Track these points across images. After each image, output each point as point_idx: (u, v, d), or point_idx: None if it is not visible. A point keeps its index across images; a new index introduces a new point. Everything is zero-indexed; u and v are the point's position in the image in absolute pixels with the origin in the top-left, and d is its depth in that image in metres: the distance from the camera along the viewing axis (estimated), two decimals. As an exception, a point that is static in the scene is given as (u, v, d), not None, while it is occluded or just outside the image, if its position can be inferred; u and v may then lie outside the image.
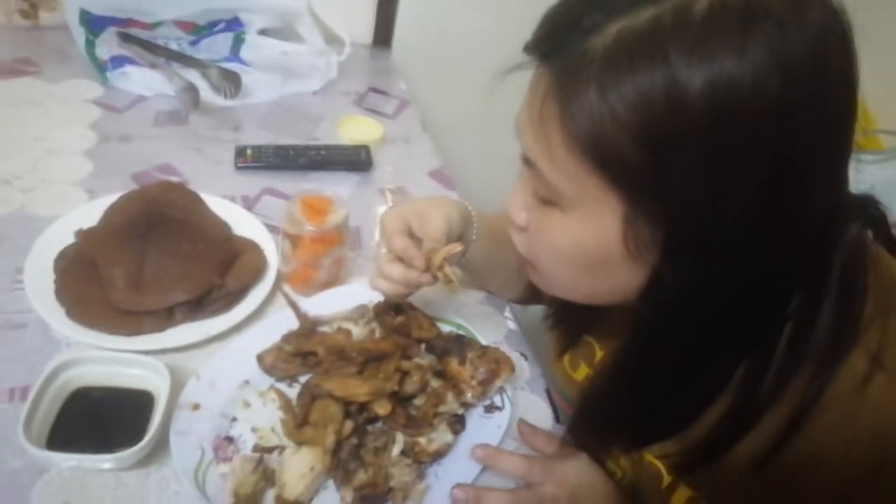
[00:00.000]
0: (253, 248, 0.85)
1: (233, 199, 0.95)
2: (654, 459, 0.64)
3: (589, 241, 0.52)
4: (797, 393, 0.51)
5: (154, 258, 0.76)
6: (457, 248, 0.70)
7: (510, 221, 0.61)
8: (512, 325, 0.89)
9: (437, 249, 0.68)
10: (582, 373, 0.76)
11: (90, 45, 1.13)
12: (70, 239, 0.81)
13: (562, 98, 0.47)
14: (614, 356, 0.61)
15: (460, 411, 0.72)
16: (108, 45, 1.14)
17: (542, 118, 0.50)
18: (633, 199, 0.48)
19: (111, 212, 0.83)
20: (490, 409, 0.75)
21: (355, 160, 1.06)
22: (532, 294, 0.88)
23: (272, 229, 0.89)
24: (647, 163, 0.45)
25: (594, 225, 0.51)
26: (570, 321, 0.75)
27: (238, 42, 1.18)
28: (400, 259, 0.69)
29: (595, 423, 0.65)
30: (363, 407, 0.68)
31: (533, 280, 0.64)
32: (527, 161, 0.54)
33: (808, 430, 0.51)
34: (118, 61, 1.11)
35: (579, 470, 0.69)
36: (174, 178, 0.96)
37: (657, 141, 0.44)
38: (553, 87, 0.48)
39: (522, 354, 0.84)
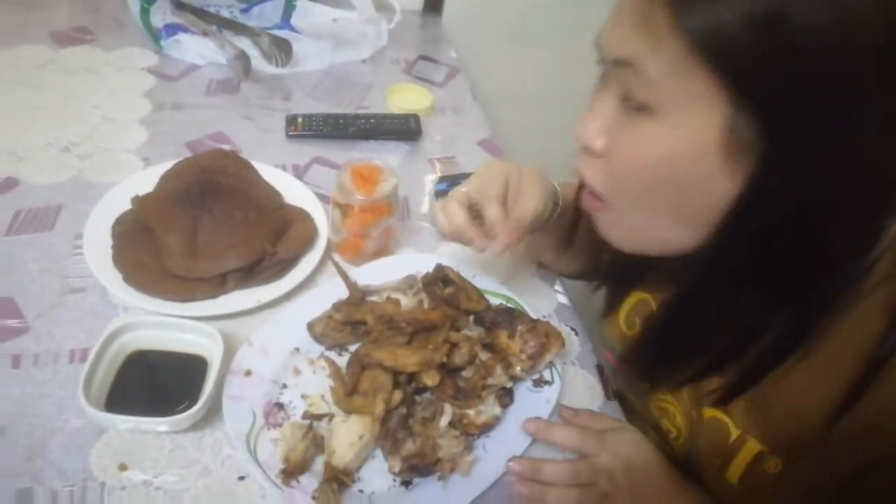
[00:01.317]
0: (304, 216, 0.85)
1: (283, 167, 0.96)
2: (721, 414, 0.62)
3: (685, 149, 0.50)
4: (872, 342, 0.51)
5: (207, 225, 0.77)
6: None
7: (582, 151, 0.58)
8: (563, 298, 0.87)
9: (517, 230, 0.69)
10: (637, 330, 0.74)
11: (145, 12, 1.14)
12: (127, 205, 0.82)
13: None
14: (682, 286, 0.61)
15: (509, 384, 0.71)
16: (161, 13, 1.15)
17: (650, 9, 0.48)
18: (740, 95, 0.46)
19: (166, 179, 0.84)
20: (539, 383, 0.74)
21: (404, 129, 1.05)
22: (584, 268, 0.86)
23: (322, 198, 0.89)
24: (762, 53, 0.44)
25: (694, 128, 0.49)
26: (619, 277, 0.74)
27: (289, 9, 1.17)
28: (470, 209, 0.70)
29: (656, 352, 0.65)
30: (412, 377, 0.68)
31: (600, 226, 0.62)
32: (621, 62, 0.51)
33: (886, 383, 0.50)
34: (172, 29, 1.12)
35: (631, 442, 0.69)
36: (226, 147, 0.97)
37: (776, 29, 0.43)
38: None
39: (573, 329, 0.83)
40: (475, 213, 0.71)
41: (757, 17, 0.43)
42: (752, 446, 0.60)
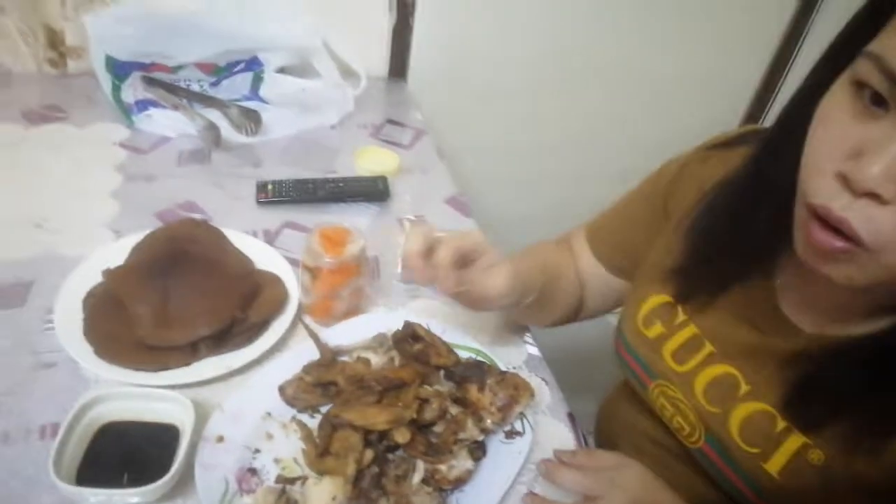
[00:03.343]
0: (274, 281, 0.86)
1: (255, 233, 0.97)
2: (767, 406, 0.64)
3: None
4: None
5: (178, 294, 0.78)
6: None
7: (857, 195, 0.50)
8: (533, 349, 0.89)
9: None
10: (655, 331, 0.76)
11: (116, 89, 1.17)
12: (98, 278, 0.83)
13: None
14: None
15: (480, 437, 0.72)
16: (133, 90, 1.18)
17: None
18: None
19: (136, 250, 0.85)
20: (511, 434, 0.75)
21: (373, 191, 1.07)
22: (564, 316, 0.89)
23: (293, 262, 0.90)
24: None
25: None
26: (684, 298, 0.74)
27: (257, 81, 1.21)
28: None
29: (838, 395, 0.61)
30: (383, 435, 0.69)
31: (843, 271, 0.54)
32: None
33: None
34: (143, 104, 1.15)
35: (638, 478, 0.70)
36: (197, 215, 0.98)
37: None
38: None
39: (543, 379, 0.84)
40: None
41: None
42: (797, 438, 0.62)
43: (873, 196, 0.48)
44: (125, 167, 1.07)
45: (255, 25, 1.21)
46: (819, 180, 0.52)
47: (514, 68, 1.49)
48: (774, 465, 0.64)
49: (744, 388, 0.68)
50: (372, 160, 1.14)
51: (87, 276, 0.84)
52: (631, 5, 1.46)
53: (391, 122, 1.29)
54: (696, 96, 1.57)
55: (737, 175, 0.70)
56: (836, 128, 0.51)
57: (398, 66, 1.41)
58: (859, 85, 0.50)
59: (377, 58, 1.39)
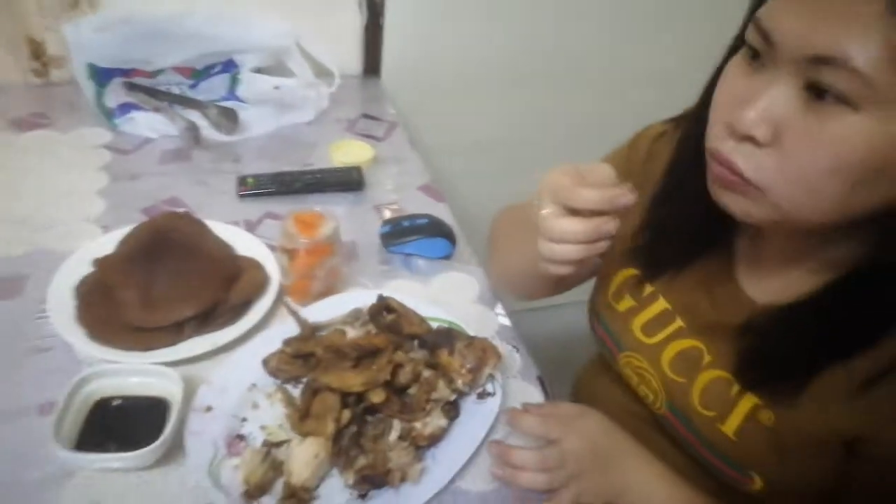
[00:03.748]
0: (255, 265, 0.91)
1: (237, 224, 1.02)
2: (724, 373, 0.69)
3: (884, 143, 0.51)
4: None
5: (163, 278, 0.83)
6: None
7: (737, 139, 0.56)
8: (504, 320, 0.94)
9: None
10: (625, 304, 0.81)
11: (99, 95, 1.22)
12: (88, 269, 0.88)
13: None
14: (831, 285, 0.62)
15: (452, 398, 0.77)
16: (115, 95, 1.22)
17: (863, 4, 0.48)
18: None
19: (123, 241, 0.89)
20: (483, 395, 0.80)
21: (348, 181, 1.12)
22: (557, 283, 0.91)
23: (273, 249, 0.95)
24: None
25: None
26: (651, 274, 0.77)
27: (234, 82, 1.26)
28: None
29: (785, 351, 0.65)
30: (360, 398, 0.74)
31: (733, 203, 0.59)
32: (823, 59, 0.50)
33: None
34: (125, 108, 1.20)
35: (597, 424, 0.74)
36: (181, 209, 1.03)
37: None
38: None
39: (514, 347, 0.90)
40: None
41: None
42: (749, 399, 0.67)
43: (751, 139, 0.55)
44: (110, 167, 1.12)
45: (231, 29, 1.26)
46: (713, 129, 0.59)
47: (485, 64, 1.55)
48: (730, 426, 0.69)
49: (706, 358, 0.73)
50: (346, 152, 1.19)
51: (78, 268, 0.89)
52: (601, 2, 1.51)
53: (366, 116, 1.35)
54: (671, 90, 1.61)
55: (677, 150, 0.75)
56: (728, 84, 0.59)
57: (371, 63, 1.46)
58: (748, 47, 0.57)
59: (350, 56, 1.44)
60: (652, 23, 1.56)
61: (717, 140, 0.58)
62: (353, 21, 1.40)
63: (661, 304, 0.78)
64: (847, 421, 0.61)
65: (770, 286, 0.69)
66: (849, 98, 0.50)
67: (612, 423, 0.75)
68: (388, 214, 1.09)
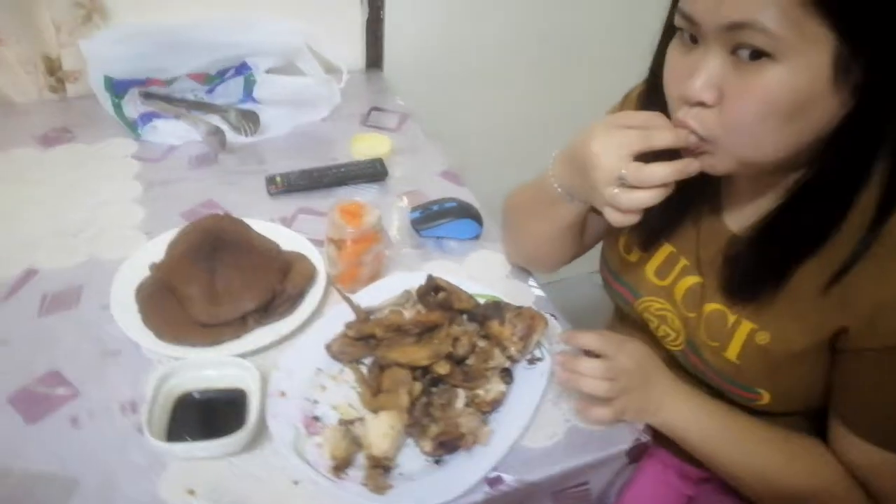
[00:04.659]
0: (302, 258, 0.96)
1: (273, 221, 1.06)
2: (721, 305, 0.79)
3: (802, 83, 0.60)
4: (865, 223, 0.66)
5: (223, 273, 0.87)
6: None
7: (689, 106, 0.67)
8: (538, 292, 1.00)
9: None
10: (636, 255, 0.90)
11: (117, 107, 1.25)
12: (143, 274, 0.92)
13: None
14: (785, 198, 0.71)
15: (507, 365, 0.83)
16: (133, 105, 1.26)
17: None
18: (845, 33, 0.58)
19: (174, 244, 0.94)
20: (532, 361, 0.86)
21: (372, 172, 1.17)
22: (568, 255, 0.99)
23: (313, 241, 1.00)
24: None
25: (808, 66, 0.60)
26: (651, 227, 0.85)
27: (249, 84, 1.30)
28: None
29: (756, 262, 0.74)
30: (425, 371, 0.79)
31: (703, 165, 0.69)
32: (738, 25, 0.60)
33: (873, 252, 0.66)
34: (147, 117, 1.23)
35: (639, 349, 0.81)
36: (219, 211, 1.07)
37: None
38: None
39: (552, 315, 0.95)
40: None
41: None
42: (746, 326, 0.76)
43: (701, 103, 0.66)
44: (142, 176, 1.15)
45: (241, 33, 1.29)
46: (671, 103, 0.70)
47: (485, 52, 1.60)
48: (732, 352, 0.78)
49: (705, 292, 0.81)
50: (366, 145, 1.23)
51: (133, 273, 0.93)
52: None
53: (376, 109, 1.39)
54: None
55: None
56: (671, 65, 0.70)
57: (374, 57, 1.50)
58: (680, 32, 0.68)
59: (354, 51, 1.48)
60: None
61: (676, 111, 0.69)
62: (354, 16, 1.44)
63: (667, 248, 0.87)
64: (827, 314, 0.70)
65: (744, 216, 0.79)
66: (766, 51, 0.60)
67: (649, 350, 0.82)
68: (404, 202, 1.14)
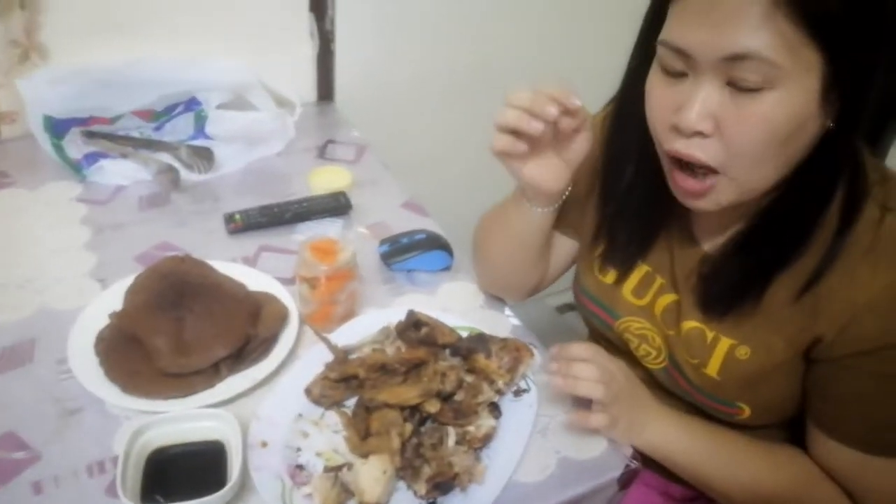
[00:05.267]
0: (271, 298, 0.92)
1: (234, 260, 1.02)
2: (699, 323, 0.80)
3: (796, 108, 0.62)
4: (830, 236, 0.69)
5: (191, 322, 0.83)
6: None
7: (688, 136, 0.67)
8: (515, 321, 0.99)
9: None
10: (611, 277, 0.90)
11: (58, 148, 1.19)
12: (101, 324, 0.86)
13: None
14: (758, 216, 0.74)
15: (496, 398, 0.81)
16: (75, 145, 1.20)
17: (762, 5, 0.59)
18: (833, 55, 0.60)
19: (134, 291, 0.88)
20: (518, 392, 0.84)
21: (336, 206, 1.14)
22: (539, 282, 1.00)
23: (280, 280, 0.97)
24: (850, 19, 0.59)
25: (802, 90, 0.62)
26: (628, 245, 0.87)
27: (201, 119, 1.25)
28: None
29: (731, 278, 0.76)
30: (414, 410, 0.77)
31: (714, 199, 0.70)
32: (738, 57, 0.61)
33: (841, 260, 0.68)
34: (92, 157, 1.17)
35: (624, 365, 0.82)
36: (175, 253, 1.02)
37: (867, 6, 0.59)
38: None
39: (531, 344, 0.94)
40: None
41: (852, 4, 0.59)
42: (725, 342, 0.78)
43: (699, 133, 0.66)
44: (89, 219, 1.09)
45: (188, 69, 1.25)
46: (664, 132, 0.70)
47: (431, 80, 1.59)
48: (712, 368, 0.79)
49: (682, 310, 0.83)
50: (325, 179, 1.21)
51: (90, 324, 0.87)
52: (534, 8, 1.59)
53: (331, 141, 1.37)
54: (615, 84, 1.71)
55: (606, 146, 0.86)
56: (657, 97, 0.70)
57: (325, 89, 1.48)
58: (663, 67, 0.68)
59: (305, 84, 1.45)
60: (600, 30, 1.65)
61: (670, 142, 0.69)
62: (305, 49, 1.42)
63: (642, 269, 0.88)
64: (802, 324, 0.72)
65: (716, 234, 0.81)
66: (764, 81, 0.61)
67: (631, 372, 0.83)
68: (364, 232, 1.12)
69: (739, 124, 0.64)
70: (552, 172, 0.82)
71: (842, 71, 0.61)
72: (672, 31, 0.66)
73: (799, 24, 0.59)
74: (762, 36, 0.60)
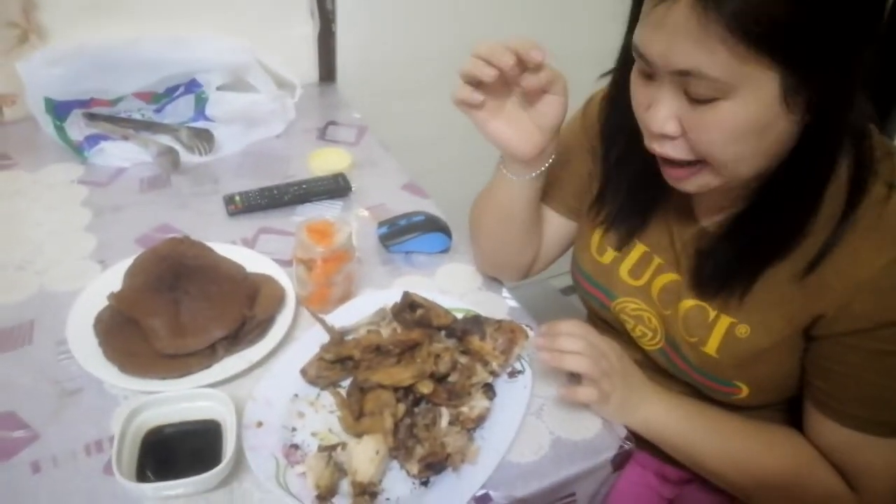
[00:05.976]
0: (269, 280, 0.92)
1: (234, 242, 1.03)
2: (701, 301, 0.80)
3: (754, 113, 0.63)
4: (836, 212, 0.69)
5: (188, 303, 0.83)
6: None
7: (657, 136, 0.69)
8: (512, 302, 0.98)
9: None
10: (609, 257, 0.90)
11: (60, 130, 1.19)
12: (100, 305, 0.87)
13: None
14: (749, 203, 0.74)
15: (490, 380, 0.81)
16: (77, 127, 1.20)
17: (699, 26, 0.59)
18: (787, 64, 0.60)
19: (132, 273, 0.89)
20: (513, 374, 0.84)
21: (335, 188, 1.14)
22: (534, 256, 1.00)
23: (279, 262, 0.97)
24: (800, 22, 0.58)
25: (757, 98, 0.62)
26: (625, 224, 0.88)
27: (201, 101, 1.25)
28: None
29: (726, 260, 0.77)
30: (408, 391, 0.77)
31: (699, 182, 0.71)
32: (684, 73, 0.62)
33: (846, 237, 0.68)
34: (93, 140, 1.18)
35: (617, 345, 0.82)
36: (175, 235, 1.03)
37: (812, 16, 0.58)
38: None
39: (527, 325, 0.94)
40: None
41: (801, 12, 0.58)
42: (725, 320, 0.78)
43: (665, 136, 0.69)
44: (90, 201, 1.10)
45: (188, 50, 1.25)
46: (643, 127, 0.72)
47: (435, 62, 1.58)
48: (711, 346, 0.79)
49: (682, 289, 0.82)
50: (325, 160, 1.21)
51: (89, 305, 0.88)
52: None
53: (332, 123, 1.36)
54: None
55: (603, 122, 0.87)
56: (635, 90, 0.71)
57: (326, 70, 1.48)
58: (638, 63, 0.69)
59: (306, 65, 1.45)
60: (589, 3, 1.64)
61: (647, 139, 0.72)
62: (306, 30, 1.41)
63: (640, 249, 0.88)
64: (804, 303, 0.72)
65: (716, 214, 0.81)
66: (717, 92, 0.62)
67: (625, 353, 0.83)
68: (364, 214, 1.12)
69: (700, 129, 0.66)
70: (521, 133, 0.81)
71: (803, 74, 0.61)
72: (638, 36, 0.66)
73: (741, 40, 0.58)
74: (704, 54, 0.60)
